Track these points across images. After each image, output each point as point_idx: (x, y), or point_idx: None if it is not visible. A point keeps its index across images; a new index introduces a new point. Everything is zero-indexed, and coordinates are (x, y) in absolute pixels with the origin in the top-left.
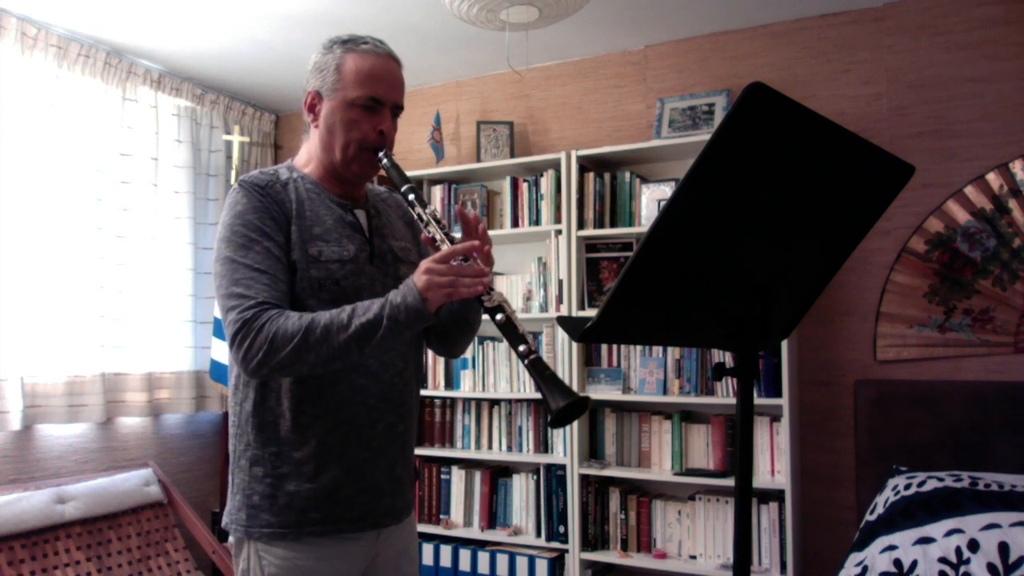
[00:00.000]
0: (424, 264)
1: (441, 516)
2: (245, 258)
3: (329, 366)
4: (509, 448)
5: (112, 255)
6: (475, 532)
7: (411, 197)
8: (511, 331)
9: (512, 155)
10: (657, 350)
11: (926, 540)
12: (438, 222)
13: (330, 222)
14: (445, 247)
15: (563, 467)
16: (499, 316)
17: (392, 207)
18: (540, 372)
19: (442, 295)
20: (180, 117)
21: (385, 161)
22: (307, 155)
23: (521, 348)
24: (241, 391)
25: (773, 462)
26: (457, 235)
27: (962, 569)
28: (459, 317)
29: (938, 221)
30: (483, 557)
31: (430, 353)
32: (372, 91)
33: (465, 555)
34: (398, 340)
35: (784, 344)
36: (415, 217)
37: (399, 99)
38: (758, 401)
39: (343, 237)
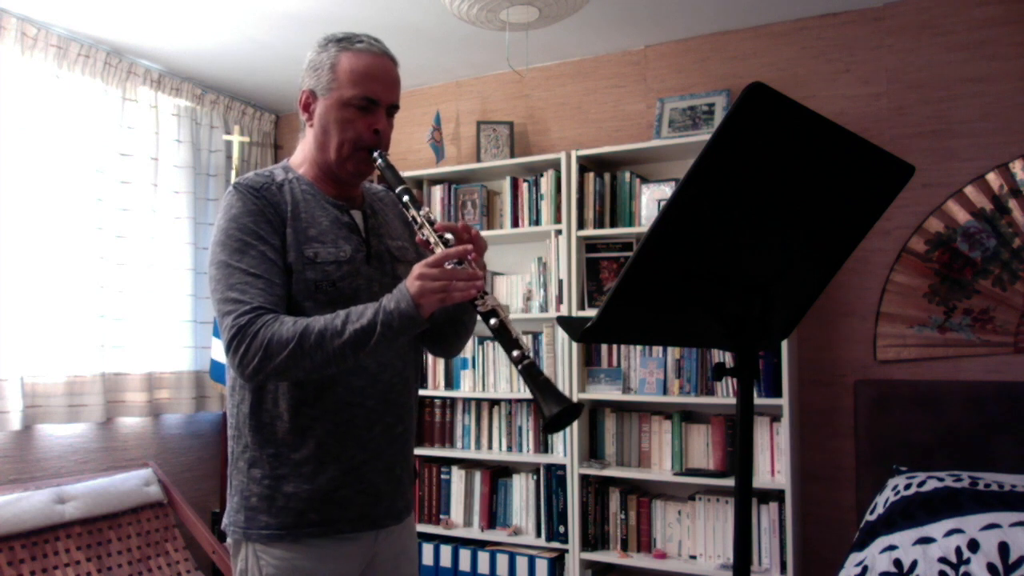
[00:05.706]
0: (417, 269)
1: (441, 516)
2: (240, 262)
3: (324, 371)
4: (509, 448)
5: (112, 255)
6: (475, 532)
7: (405, 199)
8: (505, 336)
9: (512, 155)
10: (657, 350)
11: (926, 540)
12: (432, 224)
13: (326, 223)
14: (439, 250)
15: (563, 467)
16: (493, 321)
17: (389, 206)
18: (533, 378)
19: (436, 300)
20: (180, 117)
21: (380, 162)
22: (302, 155)
23: (515, 353)
24: (238, 393)
25: (773, 462)
26: (451, 236)
27: (962, 569)
28: (453, 318)
29: (938, 221)
30: (483, 557)
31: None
32: (366, 90)
33: (465, 555)
34: (393, 345)
35: (784, 344)
36: (410, 219)
37: (395, 98)
38: (758, 401)
39: (339, 238)
